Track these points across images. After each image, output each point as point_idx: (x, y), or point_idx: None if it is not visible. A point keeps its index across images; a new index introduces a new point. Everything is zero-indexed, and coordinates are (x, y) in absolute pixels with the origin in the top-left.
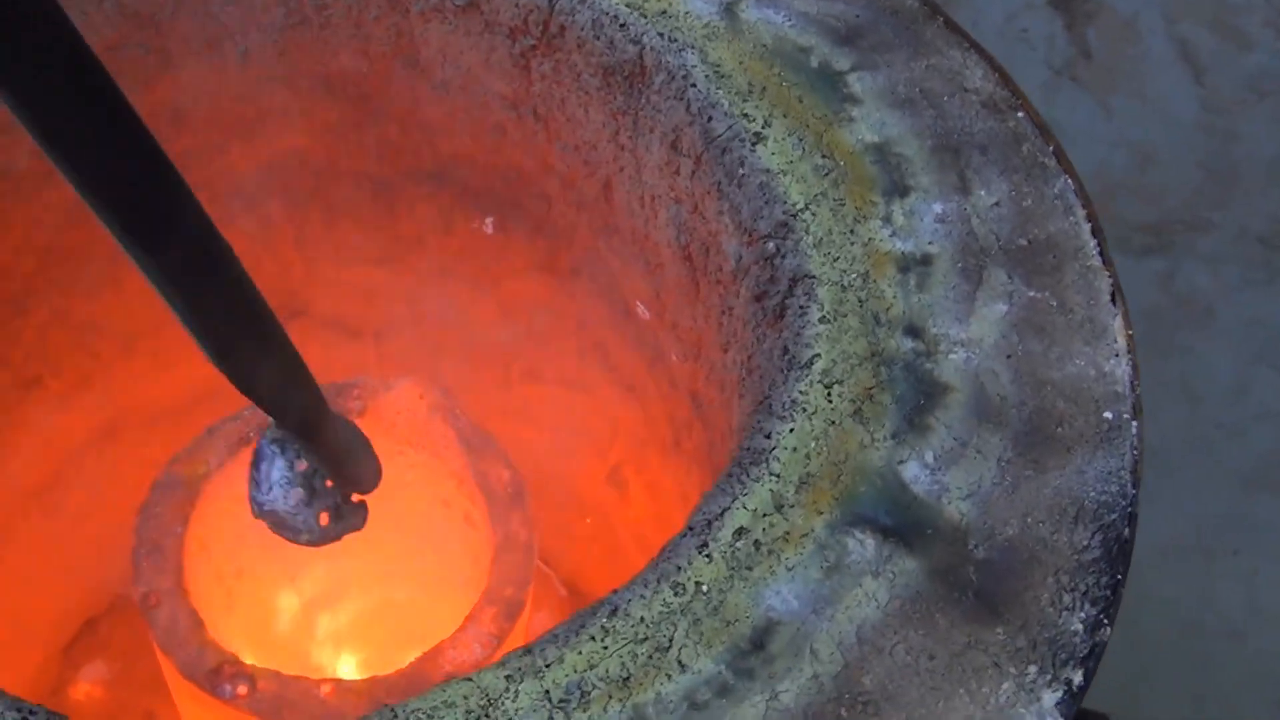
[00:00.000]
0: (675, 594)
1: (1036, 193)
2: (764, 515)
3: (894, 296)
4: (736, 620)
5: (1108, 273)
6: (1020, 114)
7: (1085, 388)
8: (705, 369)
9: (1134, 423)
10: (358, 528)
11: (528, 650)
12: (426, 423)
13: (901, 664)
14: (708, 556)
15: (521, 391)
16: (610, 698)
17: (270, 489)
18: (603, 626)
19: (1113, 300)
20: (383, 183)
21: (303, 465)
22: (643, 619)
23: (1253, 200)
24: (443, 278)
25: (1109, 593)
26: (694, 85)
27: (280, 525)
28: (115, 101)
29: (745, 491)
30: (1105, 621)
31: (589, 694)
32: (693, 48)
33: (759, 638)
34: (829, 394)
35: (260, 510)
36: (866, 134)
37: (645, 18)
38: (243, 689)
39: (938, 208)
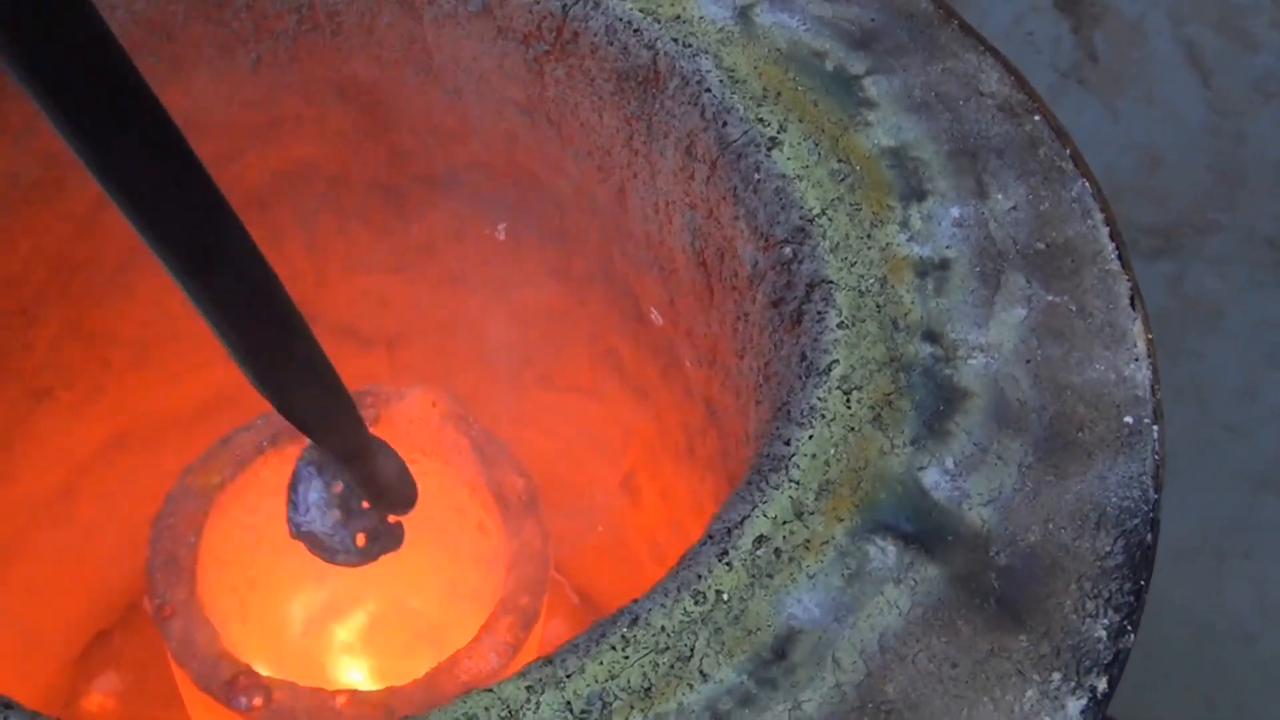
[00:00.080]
0: (696, 603)
1: (1054, 196)
2: (784, 523)
3: (912, 301)
4: (758, 629)
5: (1126, 276)
6: (1036, 117)
7: (1106, 392)
8: (720, 375)
9: (1155, 427)
10: (394, 549)
11: (548, 661)
12: (440, 431)
13: (924, 672)
14: (728, 565)
15: (534, 398)
16: (632, 708)
17: (308, 510)
18: (623, 636)
19: (1132, 304)
20: (394, 189)
21: (339, 487)
22: (663, 628)
23: (1261, 202)
24: (455, 285)
25: (1132, 599)
26: (708, 90)
27: (318, 546)
28: (167, 130)
29: (765, 499)
30: (1129, 628)
31: (610, 705)
32: (707, 53)
33: (781, 646)
34: (848, 400)
35: (298, 531)
36: (883, 138)
37: (659, 23)
38: (258, 700)
39: (955, 212)
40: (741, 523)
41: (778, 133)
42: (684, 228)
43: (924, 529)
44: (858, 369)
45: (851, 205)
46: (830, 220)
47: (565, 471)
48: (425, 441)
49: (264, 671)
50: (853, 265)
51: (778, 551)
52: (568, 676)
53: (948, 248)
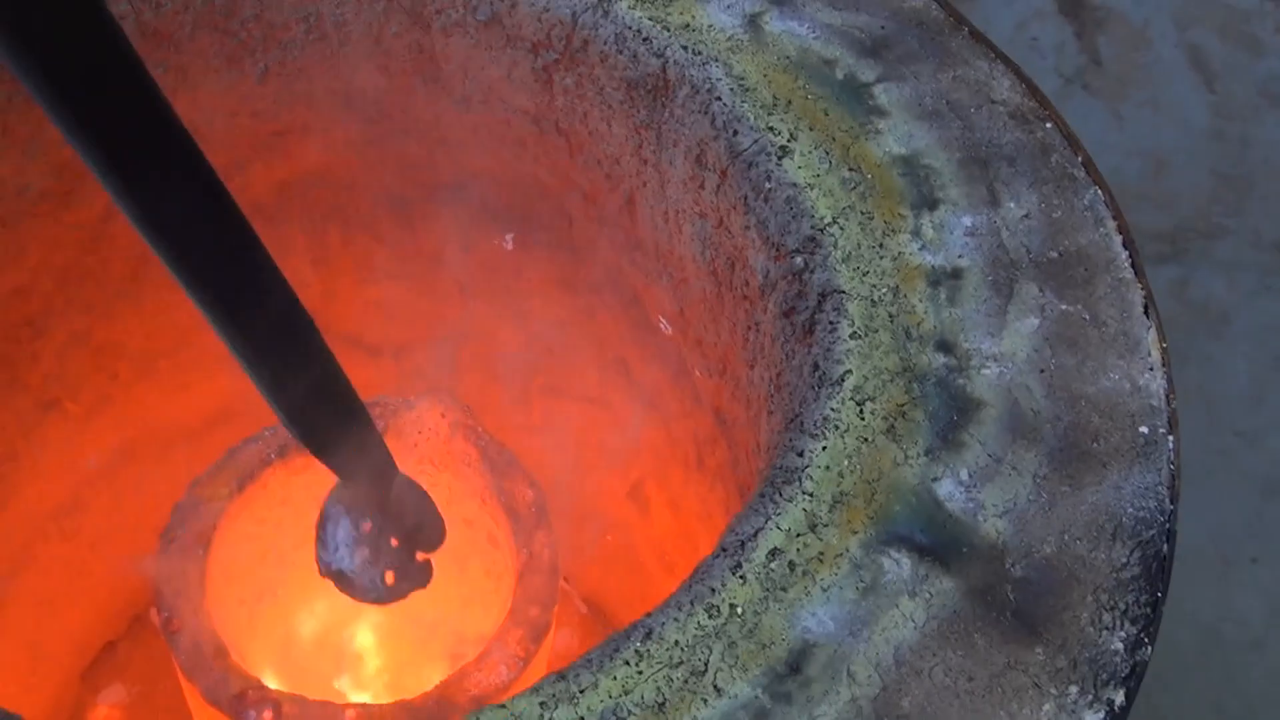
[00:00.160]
0: (709, 616)
1: (1066, 204)
2: (798, 535)
3: (925, 311)
4: (772, 643)
5: (1140, 285)
6: (1048, 124)
7: (1120, 402)
8: (730, 385)
9: (1170, 437)
10: (423, 586)
11: (561, 676)
12: (449, 441)
13: (940, 686)
14: (741, 578)
15: (541, 407)
16: None
17: (337, 549)
18: (636, 650)
19: (1145, 313)
20: (402, 199)
21: (368, 526)
22: (677, 642)
23: (1267, 206)
24: (462, 294)
25: (1149, 611)
26: (718, 99)
27: (347, 584)
28: (209, 178)
29: (778, 511)
30: (1146, 640)
31: None
32: (717, 61)
33: (795, 661)
34: (861, 411)
35: (327, 570)
36: (894, 146)
37: (668, 31)
38: (267, 714)
39: (967, 220)
40: (755, 535)
41: (788, 141)
42: (694, 237)
43: (939, 541)
44: (871, 379)
45: (863, 214)
46: (842, 229)
47: (573, 480)
48: (434, 452)
49: (273, 685)
50: (865, 275)
51: (791, 564)
52: (581, 692)
53: (960, 256)
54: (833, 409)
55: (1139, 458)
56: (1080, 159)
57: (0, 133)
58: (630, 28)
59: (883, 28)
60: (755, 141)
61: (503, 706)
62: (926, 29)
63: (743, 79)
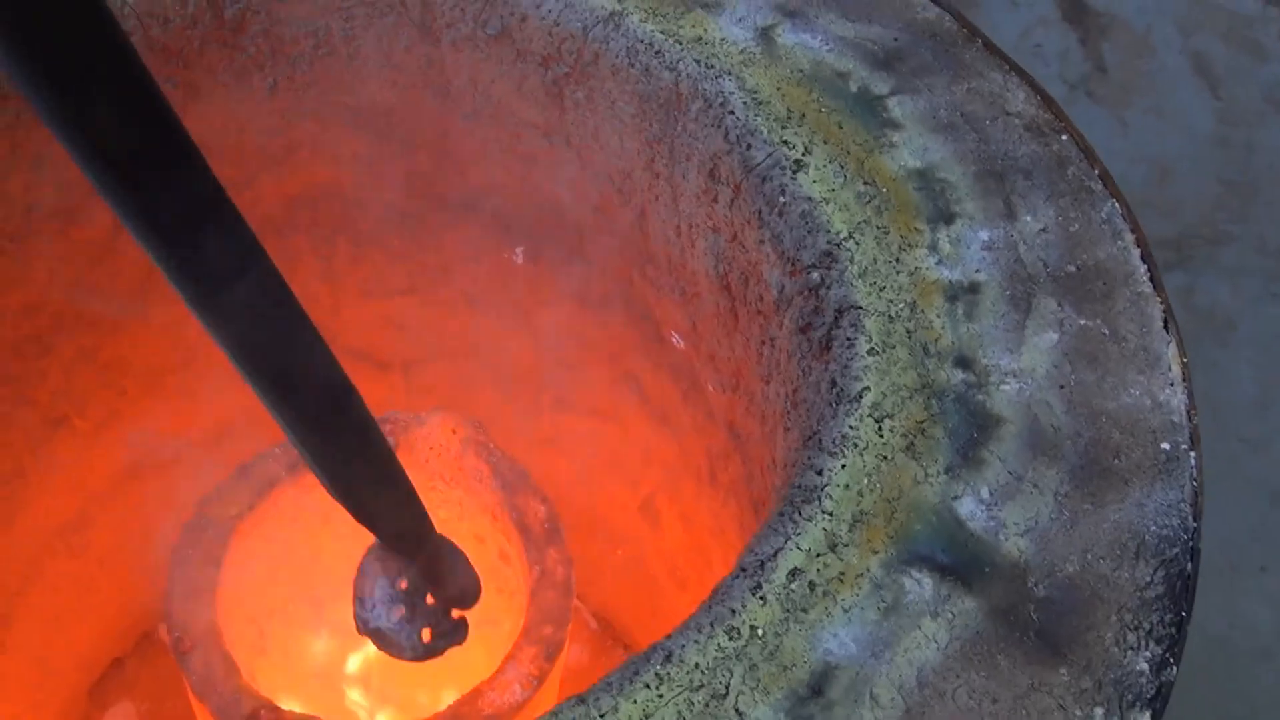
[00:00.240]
0: (730, 638)
1: (1084, 218)
2: (818, 555)
3: (943, 327)
4: (794, 665)
5: (1159, 299)
6: (1064, 136)
7: (1141, 418)
8: (744, 401)
9: (1192, 453)
10: (459, 643)
11: (581, 699)
12: (460, 457)
13: (964, 708)
14: (761, 599)
15: (551, 420)
16: None
17: (374, 606)
18: (657, 674)
19: (1165, 327)
20: (411, 213)
21: (404, 583)
22: (697, 665)
23: (1272, 212)
24: (472, 308)
25: (1174, 630)
26: (732, 112)
27: (384, 641)
28: (264, 263)
29: (798, 531)
30: (1171, 660)
31: None
32: (730, 74)
33: (817, 683)
34: (880, 428)
35: (365, 627)
36: (909, 159)
37: (680, 44)
38: None
39: (984, 235)
40: (774, 555)
41: (803, 155)
42: (707, 251)
43: (960, 560)
44: (889, 396)
45: (879, 229)
46: (858, 244)
47: (583, 494)
48: (445, 468)
49: (285, 705)
50: (882, 290)
51: (812, 585)
52: (601, 716)
53: (977, 271)
54: (851, 426)
55: (1161, 474)
56: (1097, 171)
57: (9, 150)
58: (642, 41)
59: (896, 39)
60: (769, 155)
61: None
62: (940, 41)
63: (756, 92)
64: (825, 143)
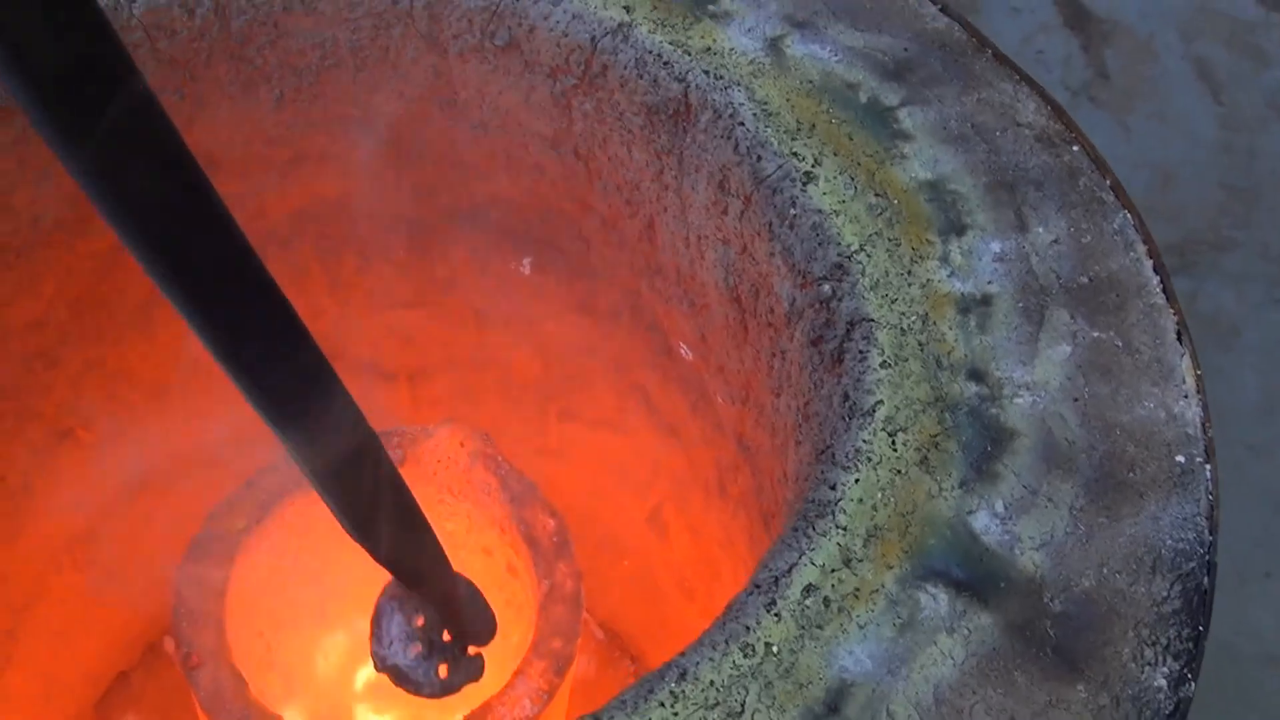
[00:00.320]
0: (745, 655)
1: (1096, 229)
2: (832, 571)
3: (955, 339)
4: (809, 682)
5: (1173, 310)
6: (1075, 147)
7: (1156, 431)
8: (754, 413)
9: (1207, 466)
10: (476, 679)
11: (596, 718)
12: (468, 470)
13: None
14: (776, 615)
15: (559, 431)
16: None
17: (391, 644)
18: (671, 692)
19: (1179, 339)
20: (418, 224)
21: (420, 620)
22: (712, 682)
23: (1275, 217)
24: (478, 319)
25: (1191, 646)
26: (741, 124)
27: (401, 678)
28: (286, 312)
29: (812, 546)
30: (1189, 676)
31: None
32: (739, 85)
33: (833, 700)
34: (893, 442)
35: (382, 665)
36: (919, 171)
37: (689, 55)
38: None
39: (996, 246)
40: (789, 571)
41: (813, 166)
42: (716, 263)
43: (976, 575)
44: (902, 409)
45: (890, 240)
46: (869, 256)
47: (589, 505)
48: (453, 481)
49: None
50: (893, 302)
51: (827, 601)
52: None
53: (989, 283)
54: (864, 440)
55: (1176, 488)
56: (1109, 182)
57: (16, 164)
58: (650, 52)
59: (905, 50)
60: (779, 167)
61: None
62: (949, 51)
63: (765, 103)
64: (835, 154)
